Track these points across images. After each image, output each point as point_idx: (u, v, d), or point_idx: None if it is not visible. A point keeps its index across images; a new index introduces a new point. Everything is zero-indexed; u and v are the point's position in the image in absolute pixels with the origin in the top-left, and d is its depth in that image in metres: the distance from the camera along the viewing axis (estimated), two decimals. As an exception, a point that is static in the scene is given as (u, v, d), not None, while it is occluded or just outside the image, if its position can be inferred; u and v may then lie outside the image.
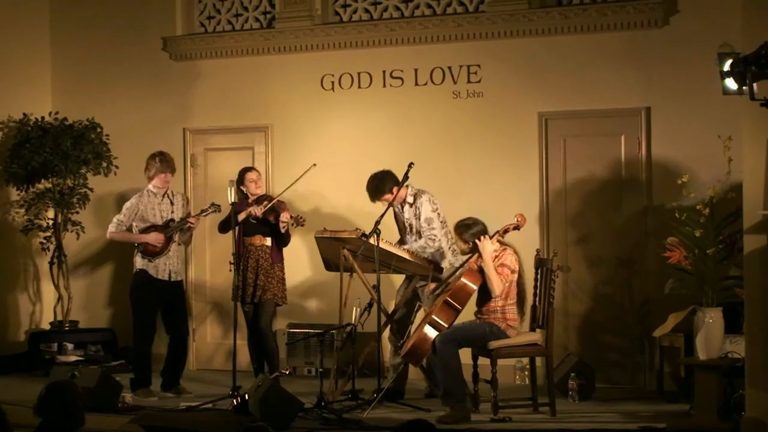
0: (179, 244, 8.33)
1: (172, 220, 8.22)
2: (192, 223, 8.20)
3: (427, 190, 7.91)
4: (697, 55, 7.97)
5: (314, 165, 8.26)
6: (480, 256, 7.14)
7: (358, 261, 7.81)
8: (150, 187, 8.27)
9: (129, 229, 8.24)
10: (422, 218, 7.80)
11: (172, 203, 8.30)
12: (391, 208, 7.84)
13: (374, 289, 7.56)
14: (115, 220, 8.26)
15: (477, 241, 7.18)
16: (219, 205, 8.23)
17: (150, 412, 7.31)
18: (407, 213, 7.92)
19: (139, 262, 8.21)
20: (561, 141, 8.66)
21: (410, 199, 7.90)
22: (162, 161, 8.24)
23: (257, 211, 8.02)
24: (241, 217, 8.01)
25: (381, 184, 7.83)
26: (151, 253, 8.16)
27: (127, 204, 8.29)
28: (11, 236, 9.88)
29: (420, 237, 7.81)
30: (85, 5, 10.19)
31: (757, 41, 5.96)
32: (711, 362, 6.72)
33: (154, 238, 8.14)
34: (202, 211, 8.23)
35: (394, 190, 7.77)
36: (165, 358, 8.35)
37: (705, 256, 6.79)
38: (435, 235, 7.74)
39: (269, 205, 8.04)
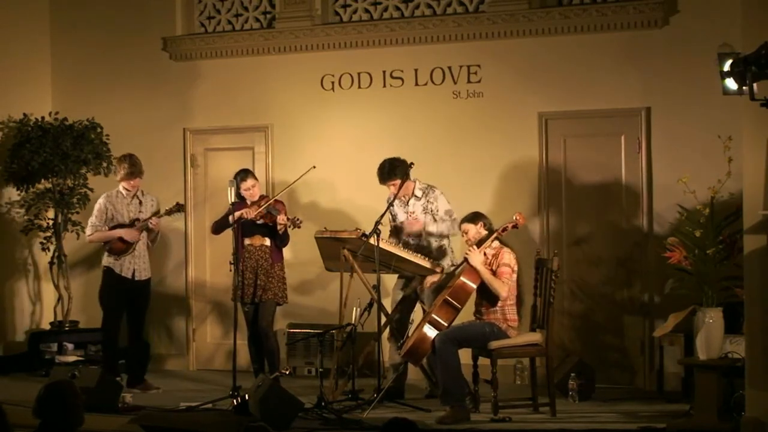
0: (148, 244, 8.40)
1: (137, 219, 8.28)
2: (153, 224, 8.27)
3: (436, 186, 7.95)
4: (697, 55, 7.97)
5: (314, 167, 8.24)
6: (470, 266, 7.15)
7: (358, 261, 7.80)
8: (120, 188, 8.35)
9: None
10: (441, 210, 7.85)
11: (141, 203, 8.38)
12: (390, 208, 7.85)
13: (374, 289, 7.56)
14: (89, 223, 8.36)
15: (466, 254, 7.19)
16: (183, 205, 8.39)
17: (150, 412, 7.31)
18: (412, 206, 7.92)
19: (105, 259, 8.35)
20: (561, 141, 8.65)
21: (418, 193, 7.92)
22: (131, 165, 8.29)
23: (249, 214, 7.98)
24: (237, 215, 7.97)
25: (394, 168, 7.82)
26: (117, 251, 8.27)
27: (97, 206, 8.38)
28: (11, 236, 9.88)
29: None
30: (85, 5, 10.18)
31: (757, 41, 5.96)
32: (711, 362, 6.71)
33: (127, 233, 8.22)
34: (167, 211, 8.29)
35: (406, 180, 7.81)
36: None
37: (705, 256, 6.78)
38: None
39: (263, 207, 8.00)
